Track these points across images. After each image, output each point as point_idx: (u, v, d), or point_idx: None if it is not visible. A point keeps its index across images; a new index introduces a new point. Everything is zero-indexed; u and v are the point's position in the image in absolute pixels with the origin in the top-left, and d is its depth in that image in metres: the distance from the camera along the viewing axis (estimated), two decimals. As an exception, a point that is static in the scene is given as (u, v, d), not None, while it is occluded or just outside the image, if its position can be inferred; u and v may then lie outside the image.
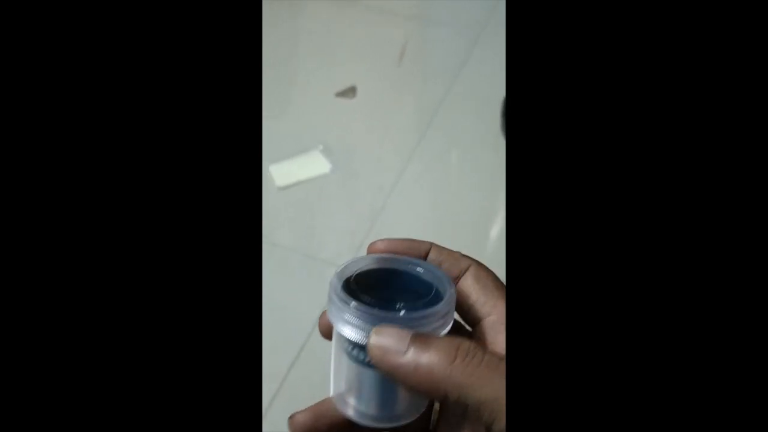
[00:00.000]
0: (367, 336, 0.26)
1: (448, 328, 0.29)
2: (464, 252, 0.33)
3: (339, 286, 0.29)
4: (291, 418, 0.30)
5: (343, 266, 0.31)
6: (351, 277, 0.31)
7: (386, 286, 0.31)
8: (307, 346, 1.09)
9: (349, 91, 1.62)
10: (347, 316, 0.28)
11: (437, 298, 0.29)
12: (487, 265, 0.33)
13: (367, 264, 0.32)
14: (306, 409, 0.30)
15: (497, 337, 0.28)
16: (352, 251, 1.25)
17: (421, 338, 0.25)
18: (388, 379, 0.27)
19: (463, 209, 1.34)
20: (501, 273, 0.32)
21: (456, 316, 0.30)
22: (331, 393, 0.31)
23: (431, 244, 0.33)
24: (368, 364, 0.27)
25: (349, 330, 0.27)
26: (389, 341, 0.25)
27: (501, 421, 0.24)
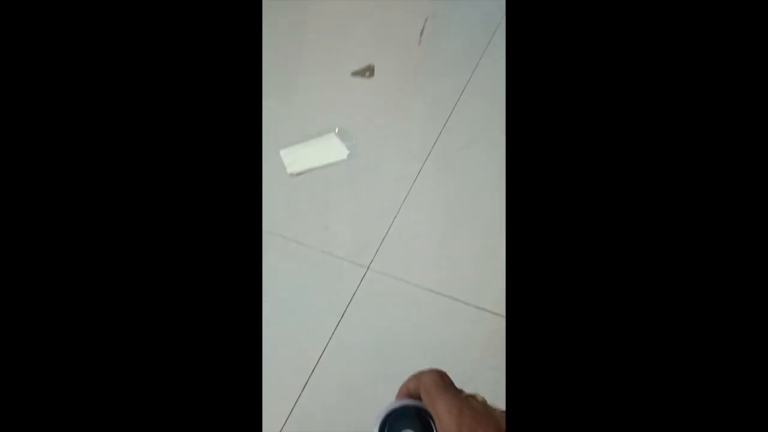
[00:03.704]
0: None
1: None
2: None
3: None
4: None
5: (381, 413, 0.45)
6: (385, 421, 0.46)
7: (407, 425, 0.46)
8: (324, 356, 0.97)
9: (367, 70, 1.48)
10: None
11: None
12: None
13: (394, 406, 0.46)
14: None
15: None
16: (372, 247, 1.12)
17: None
18: None
19: (490, 199, 1.22)
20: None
21: None
22: None
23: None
24: None
25: None
26: None
27: None
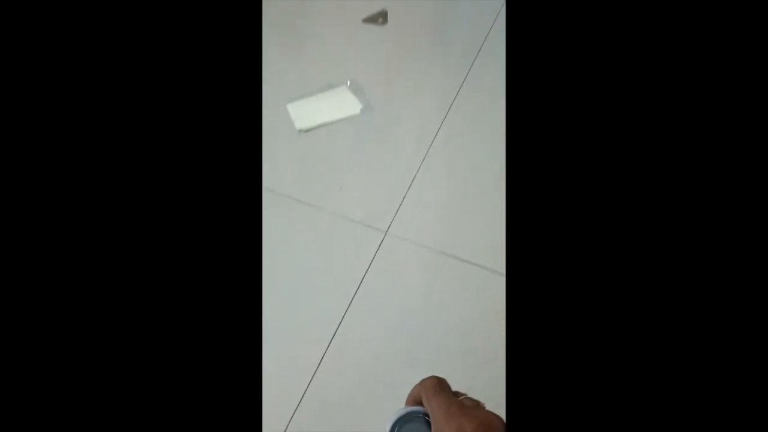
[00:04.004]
0: None
1: None
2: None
3: None
4: None
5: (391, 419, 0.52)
6: (393, 429, 0.52)
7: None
8: (348, 313, 0.89)
9: (379, 17, 1.35)
10: None
11: None
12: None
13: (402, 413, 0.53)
14: None
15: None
16: (390, 210, 1.02)
17: None
18: None
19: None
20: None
21: None
22: None
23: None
24: None
25: None
26: None
27: None
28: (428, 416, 0.59)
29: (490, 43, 1.28)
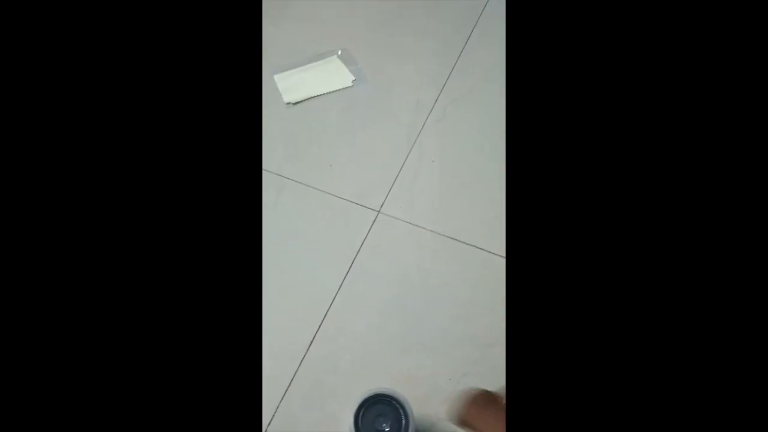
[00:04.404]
0: None
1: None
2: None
3: (352, 423, 0.64)
4: None
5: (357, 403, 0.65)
6: (360, 411, 0.65)
7: (379, 412, 0.65)
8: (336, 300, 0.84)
9: (373, -18, 1.27)
10: None
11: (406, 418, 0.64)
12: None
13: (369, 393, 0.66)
14: None
15: None
16: (382, 189, 0.97)
17: None
18: None
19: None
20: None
21: None
22: None
23: None
24: None
25: None
26: None
27: None
28: (395, 399, 0.64)
29: (491, 7, 1.21)
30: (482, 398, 0.45)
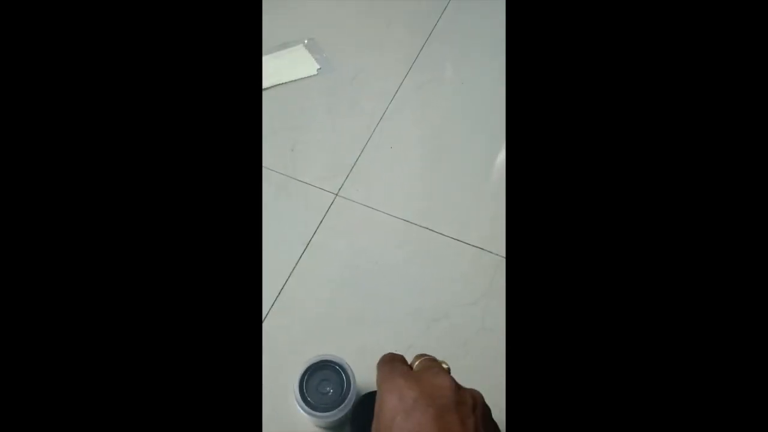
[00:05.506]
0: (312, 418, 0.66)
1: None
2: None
3: (297, 387, 0.68)
4: None
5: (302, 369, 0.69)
6: (304, 376, 0.69)
7: (323, 376, 0.70)
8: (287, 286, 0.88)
9: (342, -25, 1.30)
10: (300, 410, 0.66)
11: (348, 383, 0.67)
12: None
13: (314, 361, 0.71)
14: None
15: None
16: (341, 173, 1.01)
17: None
18: None
19: (484, 121, 1.09)
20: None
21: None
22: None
23: None
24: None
25: (302, 412, 0.66)
26: None
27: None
28: (339, 365, 0.68)
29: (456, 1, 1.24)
30: (390, 358, 0.46)
